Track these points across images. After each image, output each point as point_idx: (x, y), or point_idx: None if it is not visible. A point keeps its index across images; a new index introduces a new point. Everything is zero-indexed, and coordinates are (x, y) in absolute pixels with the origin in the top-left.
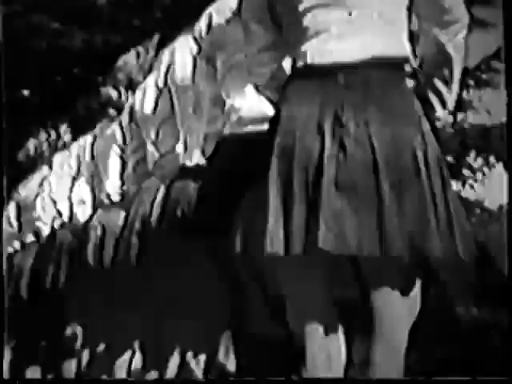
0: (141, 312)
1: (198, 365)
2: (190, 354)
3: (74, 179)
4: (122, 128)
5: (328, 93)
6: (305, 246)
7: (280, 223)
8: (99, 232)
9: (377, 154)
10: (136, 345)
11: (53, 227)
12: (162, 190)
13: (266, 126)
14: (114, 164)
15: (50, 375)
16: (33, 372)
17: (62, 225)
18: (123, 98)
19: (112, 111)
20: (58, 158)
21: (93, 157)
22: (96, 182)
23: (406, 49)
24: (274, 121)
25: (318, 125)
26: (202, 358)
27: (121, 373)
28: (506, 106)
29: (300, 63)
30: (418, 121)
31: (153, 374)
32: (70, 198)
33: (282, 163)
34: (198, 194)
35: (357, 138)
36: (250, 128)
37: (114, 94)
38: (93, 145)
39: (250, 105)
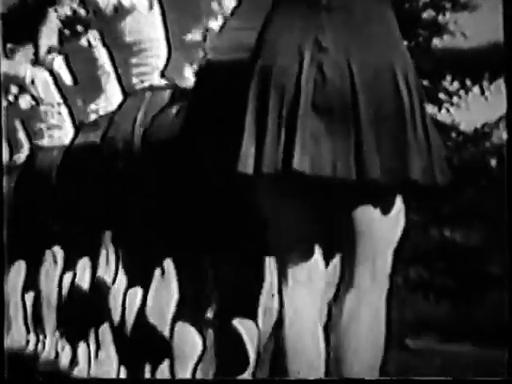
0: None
1: None
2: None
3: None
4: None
5: (310, 15)
6: (277, 166)
7: (253, 144)
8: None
9: (355, 78)
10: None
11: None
12: (143, 110)
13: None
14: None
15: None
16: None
17: (41, 148)
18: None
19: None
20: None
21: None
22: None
23: None
24: (258, 43)
25: (298, 48)
26: None
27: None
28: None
29: None
30: (399, 46)
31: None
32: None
33: (260, 83)
34: (181, 119)
35: (335, 62)
36: (231, 56)
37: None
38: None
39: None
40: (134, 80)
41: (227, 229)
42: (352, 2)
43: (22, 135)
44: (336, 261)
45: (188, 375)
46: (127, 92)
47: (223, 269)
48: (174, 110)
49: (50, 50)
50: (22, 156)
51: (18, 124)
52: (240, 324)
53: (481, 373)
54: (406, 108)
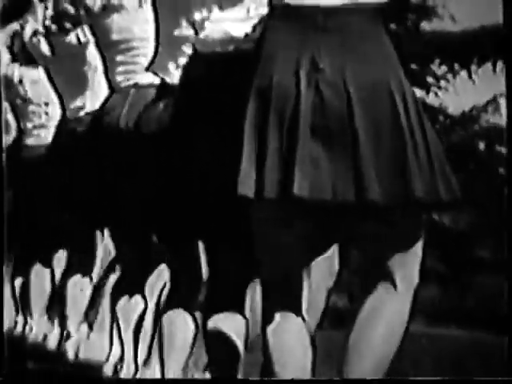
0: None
1: None
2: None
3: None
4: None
5: (306, 35)
6: (278, 191)
7: (253, 166)
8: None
9: (352, 100)
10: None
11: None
12: (127, 107)
13: (232, 48)
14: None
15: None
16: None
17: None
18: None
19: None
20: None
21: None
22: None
23: None
24: (254, 59)
25: (295, 68)
26: None
27: None
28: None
29: (278, 1)
30: (394, 65)
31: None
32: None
33: (258, 105)
34: (170, 115)
35: (332, 83)
36: (219, 49)
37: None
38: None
39: (214, 24)
40: (120, 78)
41: (222, 219)
42: (347, 22)
43: (10, 118)
44: (334, 249)
45: (179, 366)
46: (113, 89)
47: (217, 260)
48: (161, 105)
49: (35, 33)
50: (10, 139)
51: (6, 107)
52: (228, 317)
53: (469, 355)
54: (405, 127)
